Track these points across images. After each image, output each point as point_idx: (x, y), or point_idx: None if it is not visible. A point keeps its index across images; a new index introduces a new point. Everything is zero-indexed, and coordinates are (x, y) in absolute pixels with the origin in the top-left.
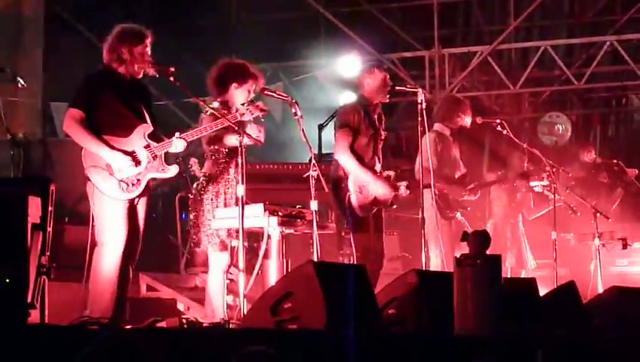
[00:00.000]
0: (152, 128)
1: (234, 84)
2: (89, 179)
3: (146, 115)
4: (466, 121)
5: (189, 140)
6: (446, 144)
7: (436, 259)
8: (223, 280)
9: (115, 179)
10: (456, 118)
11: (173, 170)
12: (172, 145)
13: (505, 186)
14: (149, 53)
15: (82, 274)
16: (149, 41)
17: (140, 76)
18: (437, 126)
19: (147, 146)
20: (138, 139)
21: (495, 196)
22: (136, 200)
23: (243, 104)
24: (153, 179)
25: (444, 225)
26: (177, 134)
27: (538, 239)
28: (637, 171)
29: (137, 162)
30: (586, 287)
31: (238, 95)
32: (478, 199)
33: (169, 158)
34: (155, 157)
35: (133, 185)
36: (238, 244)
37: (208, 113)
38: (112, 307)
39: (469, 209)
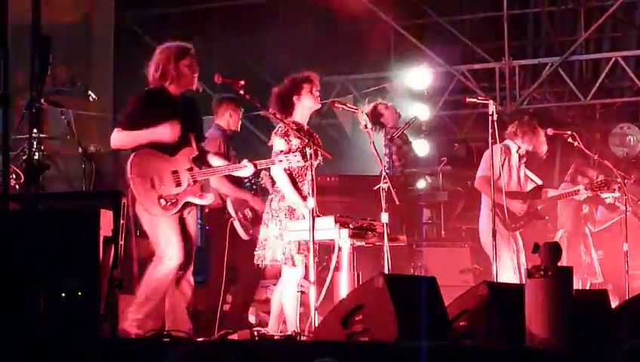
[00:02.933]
0: (196, 152)
1: (294, 98)
2: (130, 188)
3: (192, 138)
4: (526, 147)
5: (258, 167)
6: (509, 159)
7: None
8: (296, 292)
9: (155, 194)
10: (519, 138)
11: (209, 199)
12: (241, 170)
13: (572, 199)
14: (196, 65)
15: None
16: (192, 53)
17: (193, 87)
18: (507, 141)
19: (190, 169)
20: (182, 161)
21: (562, 208)
22: (186, 212)
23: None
24: (189, 203)
25: (503, 237)
26: (245, 161)
27: (606, 250)
28: None
29: (178, 182)
30: None
31: (305, 102)
32: (549, 210)
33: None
34: (195, 181)
35: (171, 204)
36: (309, 257)
37: (279, 132)
38: (157, 318)
39: (547, 218)
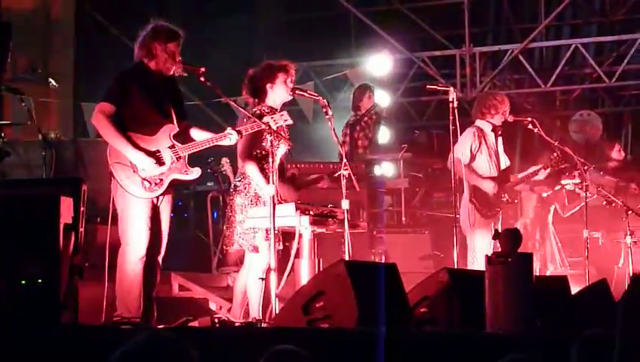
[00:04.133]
0: (177, 129)
1: (268, 85)
2: (113, 176)
3: (174, 114)
4: (495, 119)
5: (244, 133)
6: (486, 140)
7: (473, 260)
8: (260, 279)
9: (138, 177)
10: (487, 115)
11: (195, 173)
12: (225, 139)
13: (535, 187)
14: (179, 52)
15: (113, 274)
16: (181, 40)
17: (170, 73)
18: (478, 122)
19: (172, 147)
20: (163, 139)
21: (525, 196)
22: (160, 199)
23: (274, 116)
24: (175, 180)
25: (482, 225)
26: (229, 129)
27: (568, 237)
28: None
29: (161, 162)
30: (615, 286)
31: (277, 91)
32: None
33: (194, 160)
34: (178, 158)
35: (155, 184)
36: (270, 244)
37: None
38: (140, 306)
39: (516, 201)
